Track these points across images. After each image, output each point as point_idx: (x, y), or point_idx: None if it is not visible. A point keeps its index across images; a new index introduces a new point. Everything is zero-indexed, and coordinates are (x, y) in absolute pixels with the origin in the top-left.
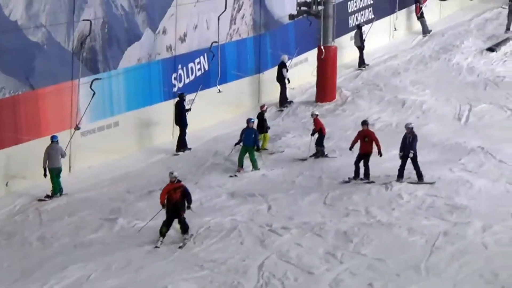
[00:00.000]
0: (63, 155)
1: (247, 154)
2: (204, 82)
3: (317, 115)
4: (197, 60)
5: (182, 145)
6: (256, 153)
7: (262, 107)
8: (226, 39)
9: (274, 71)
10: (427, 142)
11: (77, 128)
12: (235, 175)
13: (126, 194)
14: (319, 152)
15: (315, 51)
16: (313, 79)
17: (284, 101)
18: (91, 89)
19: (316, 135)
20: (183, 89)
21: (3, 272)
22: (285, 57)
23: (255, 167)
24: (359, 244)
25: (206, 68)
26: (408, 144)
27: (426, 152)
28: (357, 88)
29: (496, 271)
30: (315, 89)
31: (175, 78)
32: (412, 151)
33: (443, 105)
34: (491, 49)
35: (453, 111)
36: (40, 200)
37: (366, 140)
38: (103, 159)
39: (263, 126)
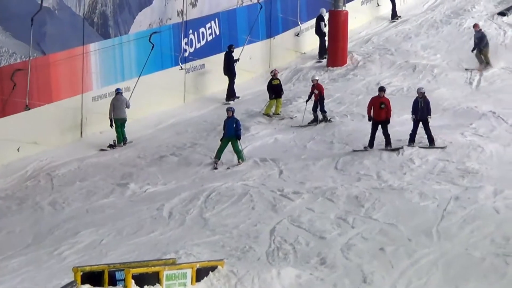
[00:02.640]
0: (127, 106)
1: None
2: (215, 47)
3: (317, 80)
4: (208, 25)
5: (231, 94)
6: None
7: (273, 72)
8: (237, 3)
9: (284, 36)
10: (438, 107)
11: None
12: (215, 168)
13: (137, 159)
14: (325, 118)
15: (326, 16)
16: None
17: (323, 52)
18: (150, 42)
19: (312, 100)
20: (194, 54)
21: (15, 237)
22: (323, 10)
23: (241, 157)
24: (371, 209)
25: (218, 33)
26: (420, 108)
27: (438, 116)
28: (368, 52)
29: (508, 235)
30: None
31: (186, 43)
32: (430, 116)
33: (454, 70)
34: (502, 13)
35: (464, 75)
36: (102, 149)
37: (382, 107)
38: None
39: (276, 91)
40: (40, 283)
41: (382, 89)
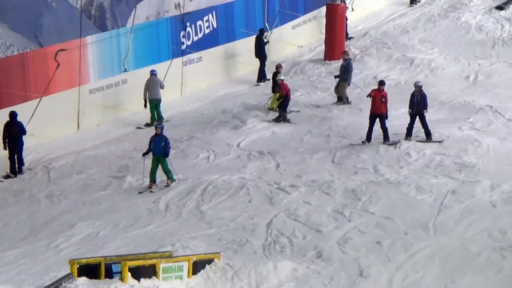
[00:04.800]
0: (162, 87)
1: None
2: (212, 39)
3: (282, 80)
4: (205, 18)
5: (262, 76)
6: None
7: (277, 66)
8: None
9: (282, 29)
10: (435, 101)
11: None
12: (151, 191)
13: (134, 152)
14: (281, 115)
15: (323, 9)
16: (321, 36)
17: (345, 36)
18: (182, 21)
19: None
20: (191, 47)
21: (11, 230)
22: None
23: (170, 178)
24: (367, 202)
25: (215, 25)
26: (416, 102)
27: (435, 110)
28: (366, 46)
29: (504, 229)
30: (323, 47)
31: (183, 36)
32: (426, 110)
33: (452, 64)
34: (500, 7)
35: (462, 69)
36: (138, 127)
37: (383, 100)
38: (112, 117)
39: (276, 85)
40: (37, 275)
41: (382, 83)
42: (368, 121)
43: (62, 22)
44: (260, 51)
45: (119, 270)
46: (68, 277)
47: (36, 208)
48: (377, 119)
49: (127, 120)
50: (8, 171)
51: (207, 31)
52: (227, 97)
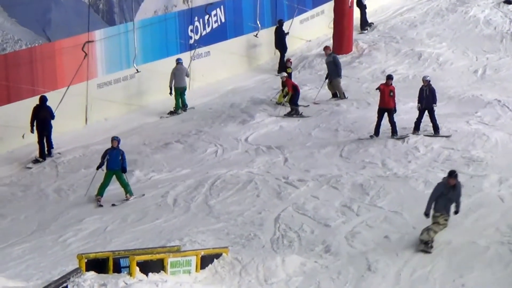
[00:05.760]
0: (187, 75)
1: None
2: (220, 34)
3: (286, 76)
4: (213, 12)
5: (282, 66)
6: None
7: (287, 61)
8: None
9: (290, 23)
10: (443, 95)
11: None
12: (100, 205)
13: (142, 146)
14: (293, 110)
15: (331, 4)
16: (329, 31)
17: (365, 24)
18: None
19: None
20: (199, 42)
21: (20, 224)
22: None
23: (129, 192)
24: (375, 197)
25: (223, 20)
26: (425, 97)
27: (443, 105)
28: (374, 40)
29: None
30: (331, 41)
31: (191, 30)
32: (435, 104)
33: (460, 58)
34: (508, 2)
35: (470, 63)
36: (162, 117)
37: (391, 94)
38: (119, 111)
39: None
40: (45, 269)
41: (390, 77)
42: (376, 115)
43: (70, 17)
44: (280, 42)
45: (127, 265)
46: (76, 271)
47: (44, 203)
48: (386, 114)
49: (135, 114)
50: (38, 155)
51: (215, 25)
52: (235, 91)
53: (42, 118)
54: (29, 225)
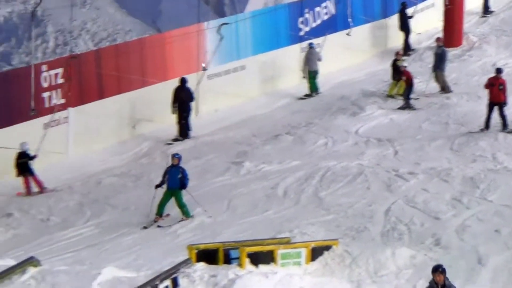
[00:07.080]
0: (320, 59)
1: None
2: (330, 26)
3: (405, 66)
4: (323, 4)
5: (407, 48)
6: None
7: (397, 53)
8: None
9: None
10: None
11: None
12: (159, 226)
13: (252, 138)
14: (406, 103)
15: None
16: (439, 24)
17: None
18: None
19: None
20: (309, 33)
21: (130, 215)
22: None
23: (186, 213)
24: (486, 190)
25: (333, 12)
26: None
27: None
28: (484, 33)
29: None
30: (441, 34)
31: (301, 22)
32: None
33: None
34: None
35: None
36: (300, 98)
37: (501, 88)
38: (230, 103)
39: (400, 72)
40: (155, 260)
41: (499, 71)
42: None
43: (180, 8)
44: (404, 25)
45: (237, 256)
46: (186, 262)
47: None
48: (496, 107)
49: (245, 106)
50: (178, 134)
51: (325, 17)
52: (345, 83)
53: (182, 99)
54: (140, 217)
